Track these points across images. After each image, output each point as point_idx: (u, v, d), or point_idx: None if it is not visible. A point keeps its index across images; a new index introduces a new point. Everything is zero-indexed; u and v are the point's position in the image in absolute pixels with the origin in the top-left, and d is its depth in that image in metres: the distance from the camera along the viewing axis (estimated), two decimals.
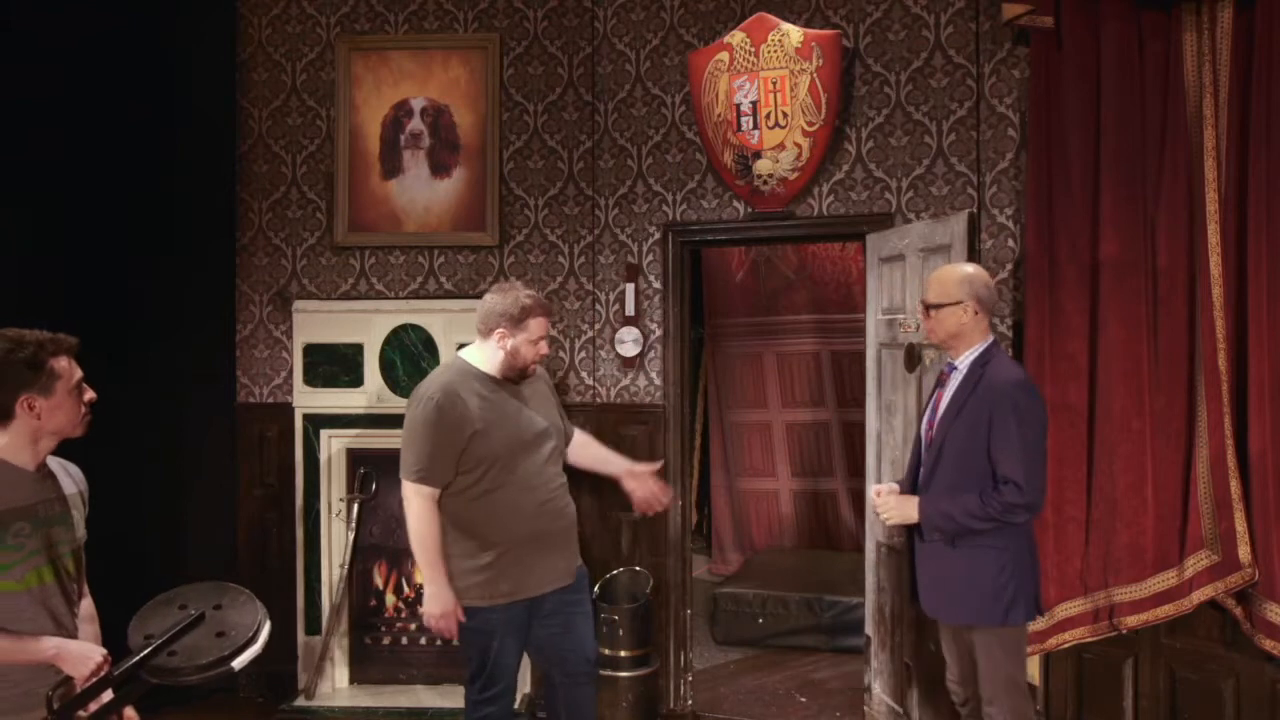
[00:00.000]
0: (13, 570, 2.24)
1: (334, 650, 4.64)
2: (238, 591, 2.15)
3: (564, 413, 3.57)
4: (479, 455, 3.13)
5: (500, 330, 3.20)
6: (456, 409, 3.11)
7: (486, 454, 3.13)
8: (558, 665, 3.37)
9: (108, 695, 2.11)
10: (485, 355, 3.25)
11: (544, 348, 3.26)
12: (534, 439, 3.24)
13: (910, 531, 3.19)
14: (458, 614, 3.14)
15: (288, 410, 4.72)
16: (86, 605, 2.50)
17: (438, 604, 3.14)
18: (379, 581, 4.75)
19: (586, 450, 3.62)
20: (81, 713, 2.03)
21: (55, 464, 2.43)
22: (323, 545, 4.67)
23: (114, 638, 2.48)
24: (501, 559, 3.16)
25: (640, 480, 3.49)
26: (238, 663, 1.99)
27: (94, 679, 2.15)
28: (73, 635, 2.35)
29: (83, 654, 2.23)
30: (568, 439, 3.54)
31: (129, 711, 2.30)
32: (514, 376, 3.26)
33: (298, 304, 4.72)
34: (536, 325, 3.22)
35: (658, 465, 3.60)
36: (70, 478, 2.47)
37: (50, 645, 2.23)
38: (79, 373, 2.36)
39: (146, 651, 1.94)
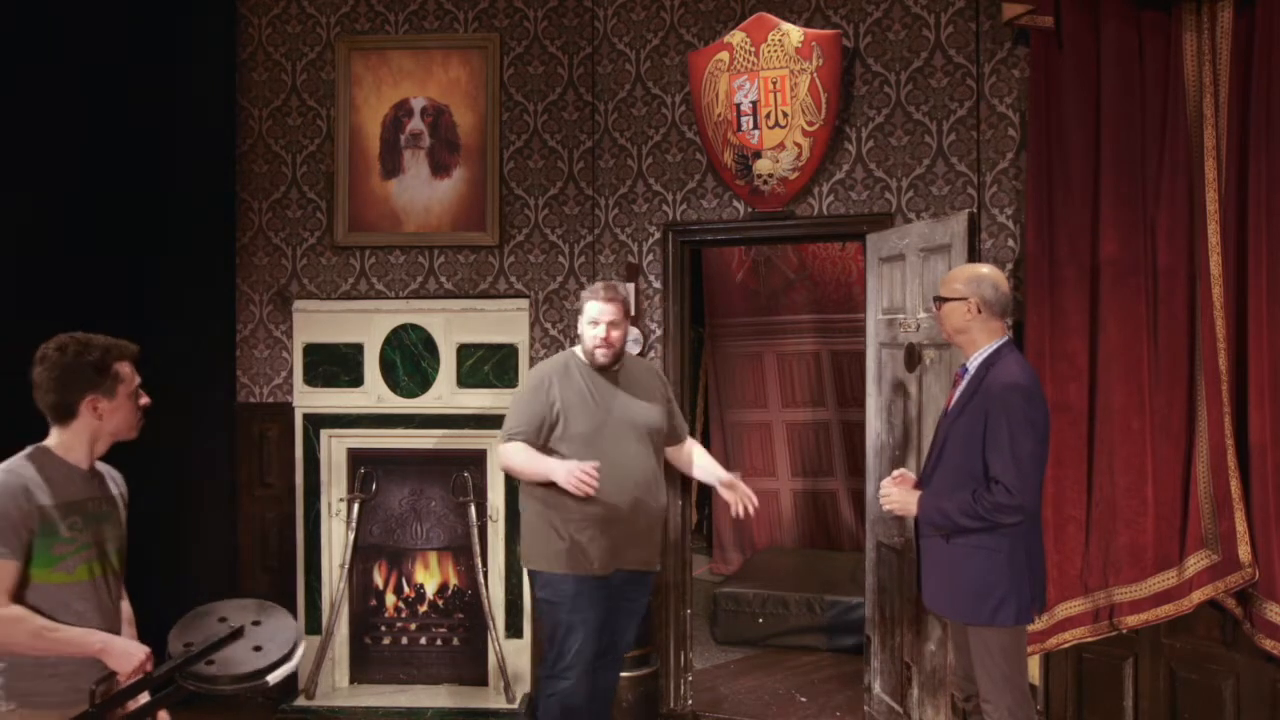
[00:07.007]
0: (65, 562, 2.31)
1: (334, 650, 4.64)
2: (276, 609, 2.25)
3: (675, 413, 3.78)
4: (567, 433, 3.43)
5: (579, 320, 3.56)
6: (549, 386, 3.48)
7: (573, 432, 3.43)
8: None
9: (144, 697, 2.16)
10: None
11: (601, 330, 3.48)
12: (624, 427, 3.49)
13: (916, 525, 3.22)
14: (580, 468, 3.27)
15: (288, 410, 4.72)
16: (125, 607, 2.56)
17: (560, 473, 3.32)
18: (379, 581, 4.74)
19: (693, 457, 3.80)
20: (119, 710, 2.07)
21: (100, 465, 2.51)
22: (323, 545, 4.67)
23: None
24: (579, 533, 3.40)
25: (734, 489, 3.64)
26: (272, 677, 2.05)
27: (137, 676, 2.20)
28: (117, 631, 2.41)
29: (127, 651, 2.27)
30: (674, 439, 3.75)
31: (163, 715, 2.35)
32: (593, 361, 3.52)
33: (298, 304, 4.72)
34: (589, 309, 3.51)
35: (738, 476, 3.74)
36: (113, 480, 2.55)
37: (97, 640, 2.28)
38: (138, 378, 2.46)
39: (187, 657, 2.00)
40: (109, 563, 2.43)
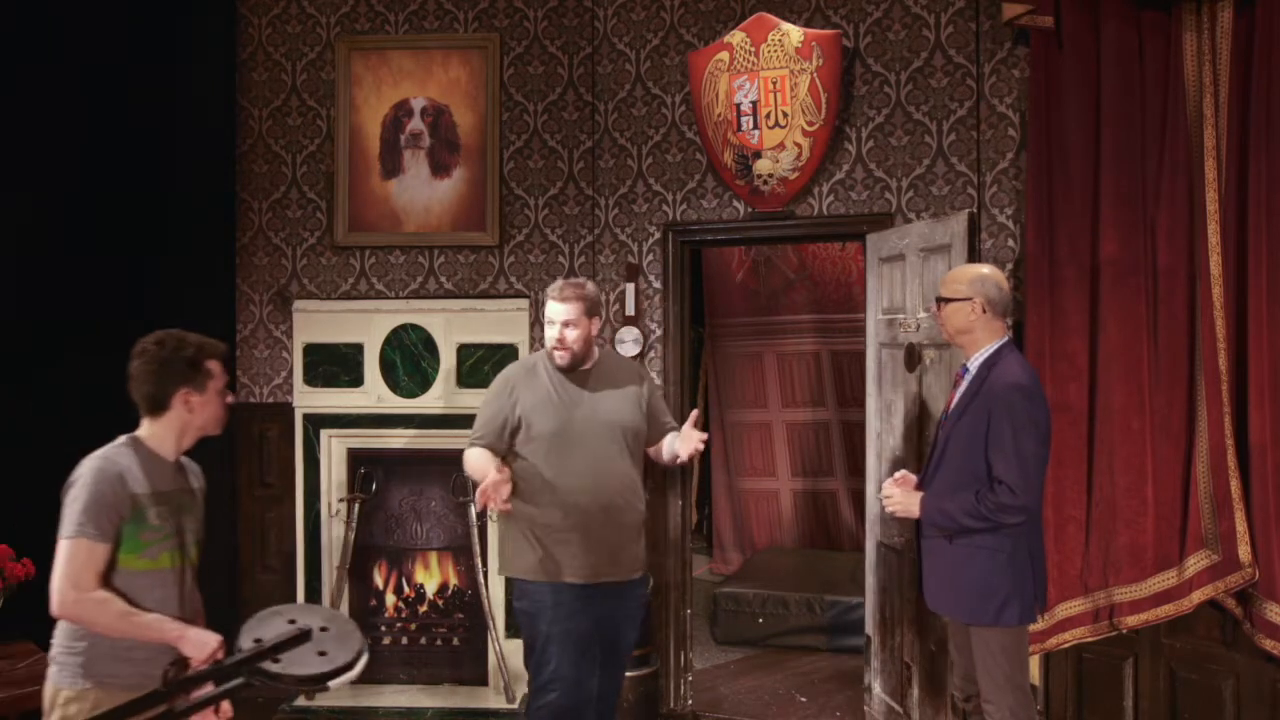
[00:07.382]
0: (150, 549, 2.41)
1: None
2: (342, 618, 2.31)
3: (661, 412, 3.54)
4: (531, 435, 3.31)
5: None
6: (512, 388, 3.38)
7: (538, 434, 3.30)
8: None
9: (209, 687, 2.19)
10: None
11: (555, 331, 3.33)
12: (594, 428, 3.33)
13: (917, 526, 3.22)
14: (493, 485, 3.11)
15: (288, 410, 4.72)
16: (196, 597, 2.62)
17: (479, 479, 3.25)
18: (379, 581, 4.75)
19: (663, 445, 3.53)
20: (186, 694, 2.12)
21: (183, 458, 2.60)
22: (323, 545, 4.67)
23: None
24: (549, 539, 3.29)
25: (689, 439, 3.38)
26: (334, 684, 2.09)
27: (209, 663, 2.27)
28: (192, 620, 2.49)
29: (202, 639, 2.36)
30: (657, 439, 3.51)
31: (225, 705, 2.47)
32: (553, 362, 3.38)
33: (298, 304, 4.72)
34: (546, 309, 3.40)
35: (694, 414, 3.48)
36: (194, 473, 2.63)
37: (175, 627, 2.37)
38: (227, 376, 2.58)
39: (257, 651, 2.03)
40: (188, 553, 2.52)
